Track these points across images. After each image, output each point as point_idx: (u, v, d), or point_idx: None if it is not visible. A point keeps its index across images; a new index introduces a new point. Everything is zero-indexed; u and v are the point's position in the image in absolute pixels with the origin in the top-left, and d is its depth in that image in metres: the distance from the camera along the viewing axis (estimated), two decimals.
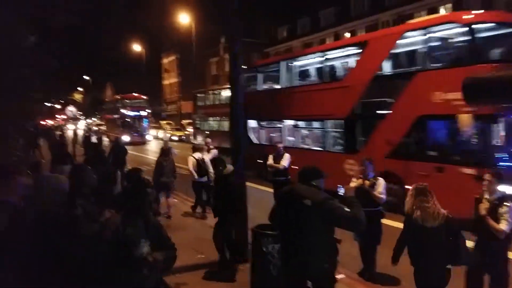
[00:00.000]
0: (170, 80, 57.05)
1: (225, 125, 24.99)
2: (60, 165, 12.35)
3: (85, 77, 74.87)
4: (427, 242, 3.79)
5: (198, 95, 30.54)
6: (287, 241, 3.33)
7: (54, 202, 2.83)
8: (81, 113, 74.83)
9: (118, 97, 39.02)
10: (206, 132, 27.01)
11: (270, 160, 9.32)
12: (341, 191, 3.73)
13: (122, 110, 34.98)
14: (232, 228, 6.18)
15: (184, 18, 37.35)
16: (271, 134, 15.56)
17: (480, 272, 4.36)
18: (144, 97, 37.25)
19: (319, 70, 13.50)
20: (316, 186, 3.28)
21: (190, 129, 33.73)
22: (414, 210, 3.87)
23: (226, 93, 25.81)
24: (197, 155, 9.60)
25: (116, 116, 36.30)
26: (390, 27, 23.57)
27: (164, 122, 46.04)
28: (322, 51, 13.12)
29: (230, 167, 6.53)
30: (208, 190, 9.32)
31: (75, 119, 58.74)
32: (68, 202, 2.80)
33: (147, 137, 34.75)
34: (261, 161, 13.15)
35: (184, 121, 40.07)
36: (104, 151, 12.05)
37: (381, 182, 5.64)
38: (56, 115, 66.66)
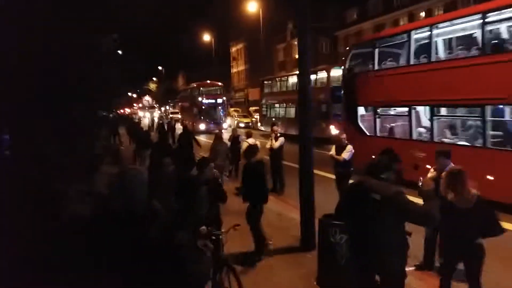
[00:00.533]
0: (238, 68, 57.95)
1: (292, 112, 24.99)
2: (143, 149, 13.40)
3: (159, 67, 78.78)
4: (459, 222, 3.83)
5: (265, 82, 30.72)
6: (357, 235, 3.26)
7: (136, 195, 3.02)
8: (155, 102, 78.94)
9: (194, 85, 37.57)
10: (273, 119, 27.17)
11: (332, 151, 9.11)
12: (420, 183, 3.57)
13: (199, 98, 34.00)
14: (258, 216, 6.17)
15: (251, 6, 37.48)
16: (394, 124, 12.41)
17: None
18: (220, 84, 36.17)
19: (475, 38, 9.93)
20: (386, 179, 3.16)
21: (256, 116, 34.11)
22: (447, 192, 3.92)
23: (293, 79, 25.70)
24: (251, 140, 10.22)
25: (191, 104, 35.68)
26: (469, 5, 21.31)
27: (232, 109, 47.02)
28: (483, 12, 9.25)
29: (258, 157, 6.57)
30: None
31: (150, 108, 62.17)
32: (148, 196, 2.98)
33: (224, 125, 32.18)
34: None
35: (251, 108, 40.57)
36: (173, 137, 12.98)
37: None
38: (133, 104, 70.77)
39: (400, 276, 3.06)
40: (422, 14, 30.06)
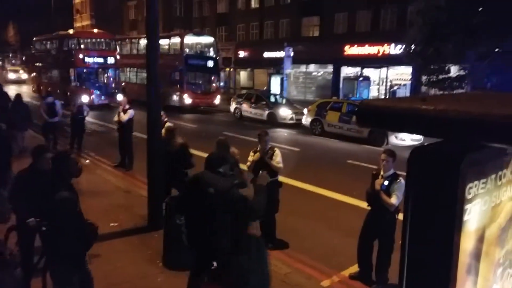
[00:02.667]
0: (82, 22, 52.12)
1: (144, 77, 23.91)
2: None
3: None
4: None
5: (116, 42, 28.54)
6: (193, 225, 3.41)
7: None
8: None
9: (70, 32, 27.15)
10: (123, 83, 25.66)
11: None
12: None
13: (79, 55, 23.34)
14: None
15: None
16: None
17: (372, 237, 4.93)
18: (110, 35, 26.08)
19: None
20: (222, 173, 3.36)
21: None
22: None
23: (144, 42, 24.39)
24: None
25: (63, 63, 24.54)
26: None
27: None
28: None
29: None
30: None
31: None
32: None
33: (118, 96, 19.22)
34: None
35: None
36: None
37: (277, 152, 5.91)
38: None
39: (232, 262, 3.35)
40: None
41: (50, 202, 3.59)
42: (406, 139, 13.59)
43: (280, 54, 26.27)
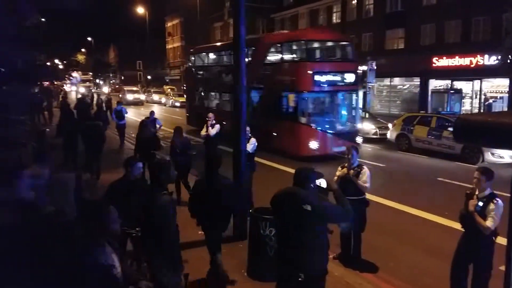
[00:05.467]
0: (173, 44, 56.19)
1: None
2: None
3: (88, 38, 73.84)
4: None
5: None
6: (283, 239, 3.52)
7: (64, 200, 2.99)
8: (91, 76, 72.86)
9: (281, 33, 20.37)
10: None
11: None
12: (323, 183, 3.76)
13: (306, 72, 13.44)
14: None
15: None
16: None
17: (466, 261, 4.61)
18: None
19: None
20: (313, 189, 3.43)
21: None
22: None
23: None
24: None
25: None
26: None
27: (167, 87, 45.82)
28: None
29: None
30: None
31: (83, 82, 57.60)
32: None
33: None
34: None
35: None
36: None
37: (365, 171, 5.76)
38: (63, 76, 64.68)
39: (322, 274, 3.40)
40: (354, 1, 31.21)
41: (148, 208, 3.90)
42: (505, 156, 12.38)
43: (362, 67, 25.71)
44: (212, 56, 20.90)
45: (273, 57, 15.84)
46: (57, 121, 17.00)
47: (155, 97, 42.41)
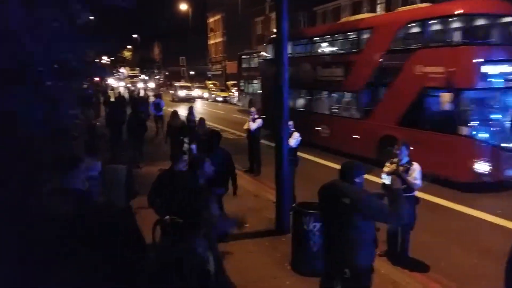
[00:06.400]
0: (215, 39, 56.84)
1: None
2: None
3: (134, 35, 76.31)
4: None
5: (243, 56, 30.39)
6: (328, 234, 3.47)
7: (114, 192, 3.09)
8: (139, 71, 74.83)
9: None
10: (250, 95, 27.16)
11: None
12: (386, 180, 3.71)
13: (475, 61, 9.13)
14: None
15: None
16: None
17: None
18: None
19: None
20: (358, 183, 3.36)
21: (234, 91, 33.91)
22: None
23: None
24: None
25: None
26: None
27: (209, 82, 46.48)
28: None
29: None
30: None
31: (130, 78, 59.50)
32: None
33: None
34: None
35: (229, 82, 40.23)
36: None
37: (416, 167, 5.55)
38: (111, 72, 66.97)
39: (368, 271, 3.31)
40: None
41: (190, 200, 3.96)
42: None
43: None
44: (304, 43, 16.15)
45: (405, 42, 11.35)
46: (105, 115, 17.85)
47: (198, 92, 42.93)
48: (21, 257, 3.16)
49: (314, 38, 15.63)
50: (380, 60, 11.56)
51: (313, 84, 14.79)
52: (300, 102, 15.75)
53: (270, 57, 16.87)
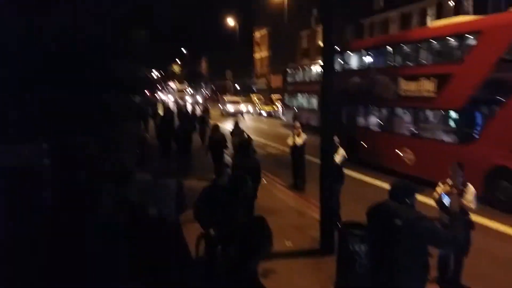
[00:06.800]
0: (261, 53, 57.63)
1: (314, 102, 24.88)
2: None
3: (183, 50, 79.03)
4: None
5: (288, 70, 30.53)
6: (377, 256, 3.37)
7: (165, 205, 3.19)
8: (187, 85, 77.29)
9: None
10: (295, 109, 27.16)
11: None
12: (446, 200, 3.57)
13: None
14: None
15: None
16: None
17: None
18: None
19: None
20: (409, 204, 3.25)
21: (279, 105, 34.05)
22: None
23: (316, 68, 25.51)
24: None
25: None
26: None
27: (254, 96, 47.02)
28: None
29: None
30: None
31: (180, 91, 61.39)
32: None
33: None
34: None
35: (274, 96, 40.46)
36: None
37: (471, 189, 5.28)
38: (161, 86, 69.24)
39: None
40: (451, 3, 29.13)
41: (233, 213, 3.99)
42: None
43: None
44: (381, 53, 13.65)
45: None
46: (155, 127, 18.60)
47: (246, 106, 42.93)
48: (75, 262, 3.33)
49: (394, 47, 13.06)
50: (491, 71, 9.30)
51: (392, 100, 12.45)
52: (373, 120, 13.63)
53: (348, 67, 15.36)
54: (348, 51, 15.42)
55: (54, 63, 6.25)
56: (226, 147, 11.09)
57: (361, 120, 14.21)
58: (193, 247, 4.48)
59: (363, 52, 14.72)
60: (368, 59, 14.23)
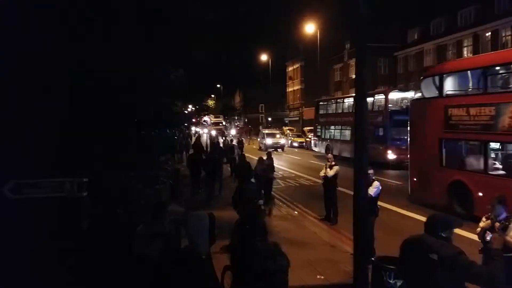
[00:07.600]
0: (293, 87, 58.39)
1: (347, 134, 24.77)
2: None
3: (217, 85, 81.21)
4: None
5: (320, 103, 30.73)
6: None
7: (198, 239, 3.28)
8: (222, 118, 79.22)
9: None
10: (327, 140, 27.09)
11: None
12: (488, 236, 3.46)
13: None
14: None
15: (309, 27, 37.79)
16: None
17: None
18: None
19: None
20: (445, 238, 3.17)
21: (311, 136, 34.04)
22: None
23: (348, 101, 25.54)
24: None
25: None
26: None
27: (286, 128, 47.33)
28: None
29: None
30: None
31: (215, 124, 62.70)
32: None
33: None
34: None
35: (306, 128, 40.57)
36: None
37: None
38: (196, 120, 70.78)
39: None
40: (488, 34, 28.68)
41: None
42: None
43: None
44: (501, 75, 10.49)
45: None
46: (187, 158, 19.36)
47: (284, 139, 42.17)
48: None
49: None
50: None
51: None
52: (497, 162, 10.33)
53: (427, 96, 12.33)
54: (446, 74, 11.69)
55: (93, 103, 6.72)
56: (249, 174, 10.83)
57: (474, 162, 10.53)
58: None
59: (476, 71, 10.85)
60: (482, 80, 10.43)
